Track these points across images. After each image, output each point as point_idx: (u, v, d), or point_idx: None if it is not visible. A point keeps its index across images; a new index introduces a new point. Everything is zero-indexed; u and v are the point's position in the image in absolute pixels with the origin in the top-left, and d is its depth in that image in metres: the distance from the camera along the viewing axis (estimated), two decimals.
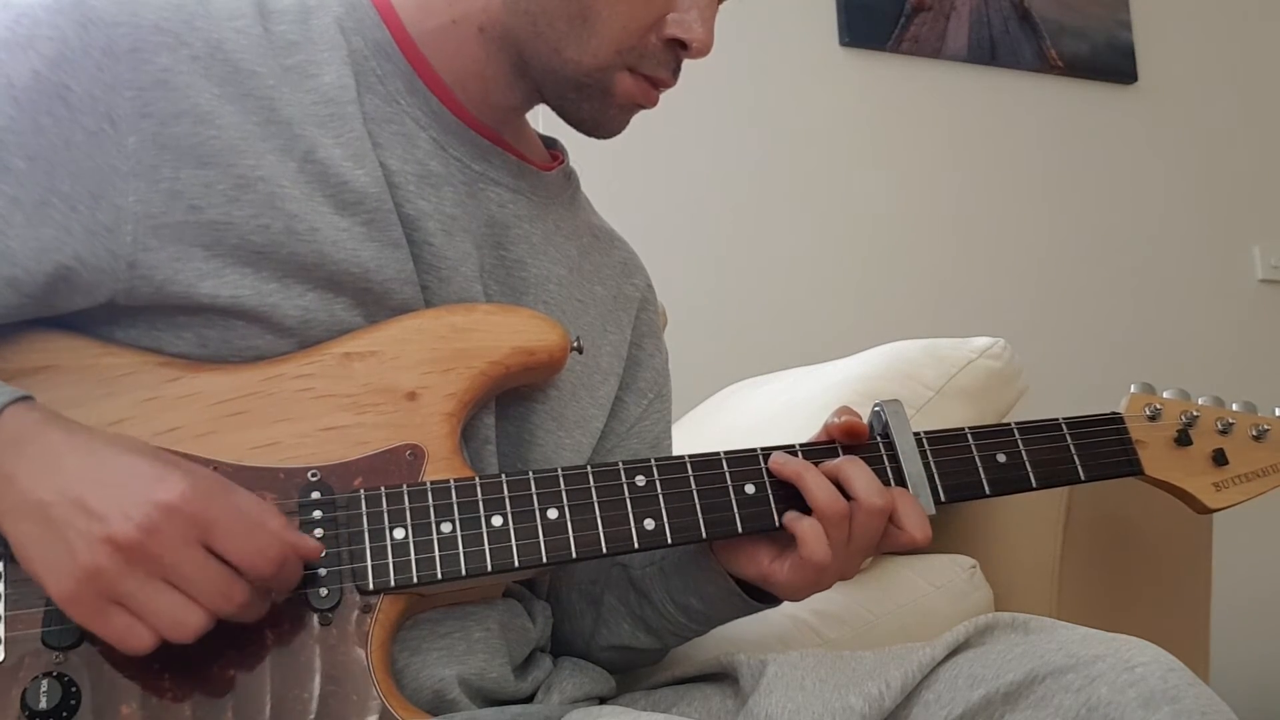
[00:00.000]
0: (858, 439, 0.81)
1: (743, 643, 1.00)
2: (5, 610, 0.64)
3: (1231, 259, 2.62)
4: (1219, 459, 0.91)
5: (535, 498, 0.73)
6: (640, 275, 0.98)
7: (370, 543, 0.70)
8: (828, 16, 2.27)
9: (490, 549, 0.71)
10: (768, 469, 0.79)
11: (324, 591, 0.68)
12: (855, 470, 0.77)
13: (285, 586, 0.66)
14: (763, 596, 0.84)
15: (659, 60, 0.80)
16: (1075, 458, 0.86)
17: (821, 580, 0.79)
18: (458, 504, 0.72)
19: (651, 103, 0.83)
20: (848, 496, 0.77)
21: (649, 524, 0.75)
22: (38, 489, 0.61)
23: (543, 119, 0.87)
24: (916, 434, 0.82)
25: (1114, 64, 2.53)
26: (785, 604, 0.86)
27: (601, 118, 0.83)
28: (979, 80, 2.40)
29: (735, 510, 0.77)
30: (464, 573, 0.70)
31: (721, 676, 0.84)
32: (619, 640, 0.90)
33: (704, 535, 0.76)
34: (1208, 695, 0.68)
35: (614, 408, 0.92)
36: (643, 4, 0.78)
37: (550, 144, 0.94)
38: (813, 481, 0.77)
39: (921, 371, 1.32)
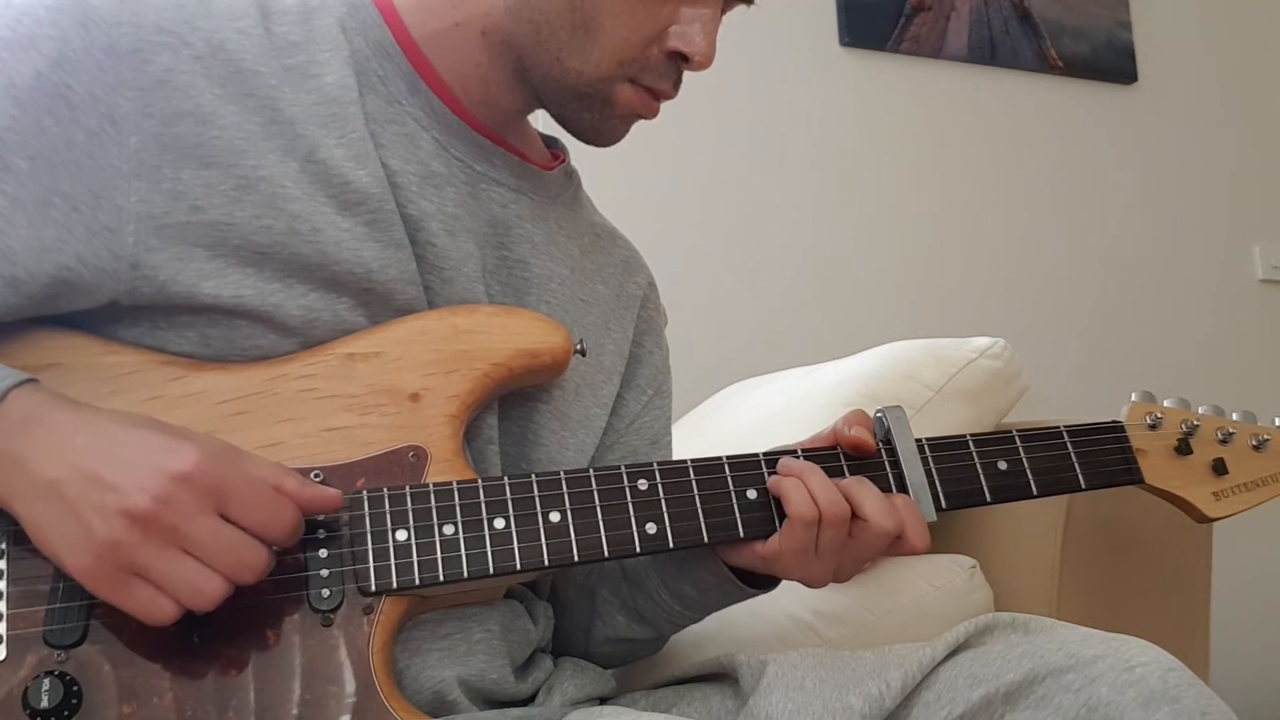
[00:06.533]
0: (864, 455, 0.81)
1: (743, 643, 1.00)
2: (7, 608, 0.64)
3: (1231, 259, 2.62)
4: (1219, 468, 0.91)
5: (538, 500, 0.73)
6: (642, 273, 0.99)
7: (372, 544, 0.70)
8: (828, 17, 2.27)
9: (492, 551, 0.71)
10: (769, 473, 0.78)
11: (326, 592, 0.68)
12: (864, 493, 0.77)
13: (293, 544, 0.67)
14: (758, 583, 0.84)
15: (660, 72, 0.80)
16: (1076, 466, 0.86)
17: (815, 565, 0.77)
18: (460, 506, 0.72)
19: (652, 114, 0.83)
20: (856, 516, 0.76)
21: (651, 528, 0.75)
22: (48, 468, 0.61)
23: (543, 119, 0.87)
24: (918, 440, 0.82)
25: (1114, 64, 2.53)
26: (785, 604, 0.86)
27: (601, 127, 0.83)
28: (979, 80, 2.40)
29: (737, 515, 0.77)
30: (466, 575, 0.70)
31: (721, 676, 0.84)
32: (614, 633, 0.90)
33: (705, 539, 0.76)
34: (1207, 695, 0.68)
35: (614, 405, 0.92)
36: (645, 16, 0.78)
37: (551, 143, 0.94)
38: (790, 489, 0.76)
39: (921, 371, 1.32)
